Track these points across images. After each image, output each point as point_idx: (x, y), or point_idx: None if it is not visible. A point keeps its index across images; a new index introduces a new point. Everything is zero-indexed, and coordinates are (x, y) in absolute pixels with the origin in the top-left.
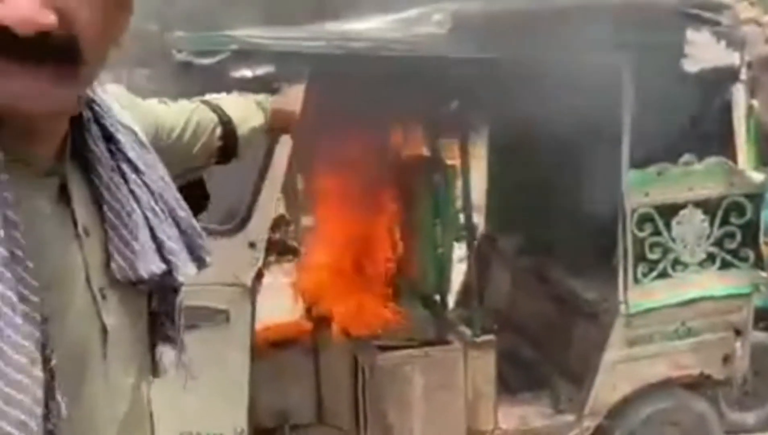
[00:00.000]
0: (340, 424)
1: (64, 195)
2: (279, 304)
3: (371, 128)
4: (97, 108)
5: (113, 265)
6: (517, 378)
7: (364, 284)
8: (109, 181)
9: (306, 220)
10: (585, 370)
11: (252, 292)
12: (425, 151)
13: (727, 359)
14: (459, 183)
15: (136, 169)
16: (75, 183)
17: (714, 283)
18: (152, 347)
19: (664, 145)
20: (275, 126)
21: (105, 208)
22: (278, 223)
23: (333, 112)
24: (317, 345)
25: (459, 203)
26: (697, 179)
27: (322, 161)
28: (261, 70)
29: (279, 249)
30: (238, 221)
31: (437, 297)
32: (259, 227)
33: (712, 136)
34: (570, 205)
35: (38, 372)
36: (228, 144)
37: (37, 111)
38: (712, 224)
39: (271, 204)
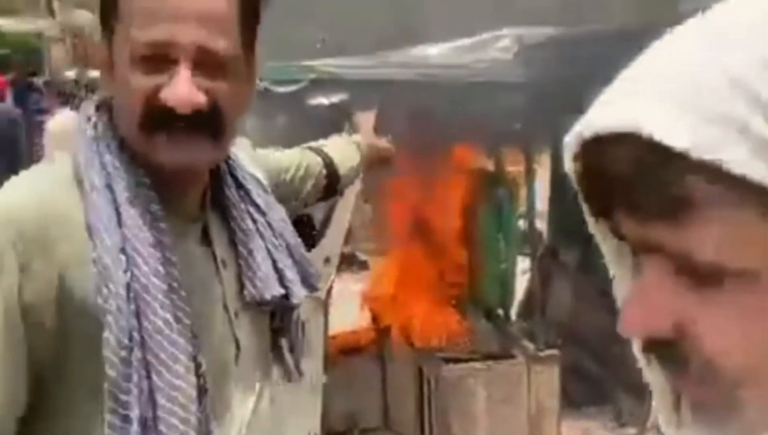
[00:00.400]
0: (405, 432)
1: (206, 237)
2: (347, 312)
3: (438, 147)
4: (230, 162)
5: (245, 292)
6: (580, 392)
7: (429, 296)
8: (241, 223)
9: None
10: (646, 384)
11: (325, 304)
12: (489, 167)
13: None
14: (522, 196)
15: (260, 212)
16: (214, 226)
17: None
18: (276, 357)
19: None
20: (373, 161)
21: (238, 245)
22: (347, 238)
23: (402, 133)
24: (383, 354)
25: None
26: None
27: (389, 178)
28: (336, 98)
29: (349, 262)
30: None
31: (500, 310)
32: (333, 243)
33: None
34: None
35: (192, 377)
36: (331, 183)
37: (195, 169)
38: None
39: (344, 220)
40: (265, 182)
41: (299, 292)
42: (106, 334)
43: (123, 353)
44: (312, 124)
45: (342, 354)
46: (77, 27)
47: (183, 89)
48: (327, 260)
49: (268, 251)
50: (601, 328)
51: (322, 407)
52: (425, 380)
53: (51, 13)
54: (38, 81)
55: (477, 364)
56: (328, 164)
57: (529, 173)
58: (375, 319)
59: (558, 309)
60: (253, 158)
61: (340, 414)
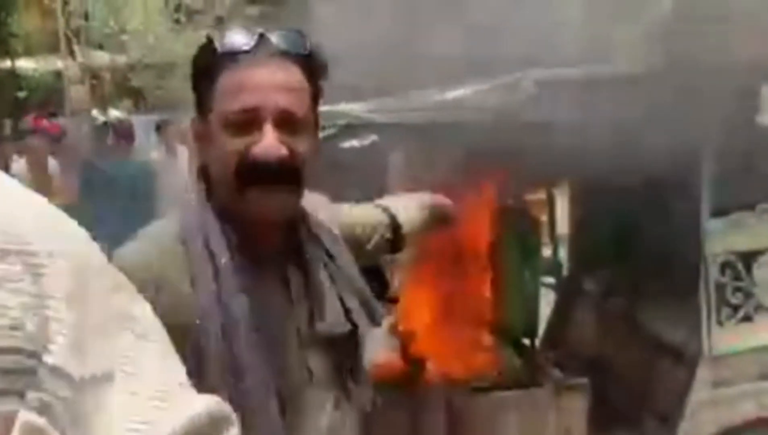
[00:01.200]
0: None
1: (285, 277)
2: (377, 344)
3: (463, 185)
4: (304, 212)
5: (317, 324)
6: (606, 417)
7: (458, 327)
8: (313, 265)
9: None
10: (672, 410)
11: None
12: (512, 202)
13: None
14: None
15: (330, 256)
16: (291, 268)
17: None
18: (345, 384)
19: (743, 194)
20: (437, 221)
21: (311, 287)
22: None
23: (430, 173)
24: (413, 385)
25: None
26: None
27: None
28: (367, 141)
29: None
30: None
31: (527, 340)
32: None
33: None
34: (654, 249)
35: (274, 401)
36: (395, 241)
37: (282, 213)
38: None
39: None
40: (336, 231)
41: (364, 327)
42: (206, 366)
43: (218, 380)
44: (344, 167)
45: (373, 386)
46: (96, 68)
47: (270, 143)
48: (393, 300)
49: (337, 291)
50: (626, 355)
51: None
52: (455, 411)
53: (71, 54)
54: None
55: (506, 394)
56: (394, 224)
57: (551, 206)
58: (404, 350)
59: (583, 337)
60: (326, 210)
61: None
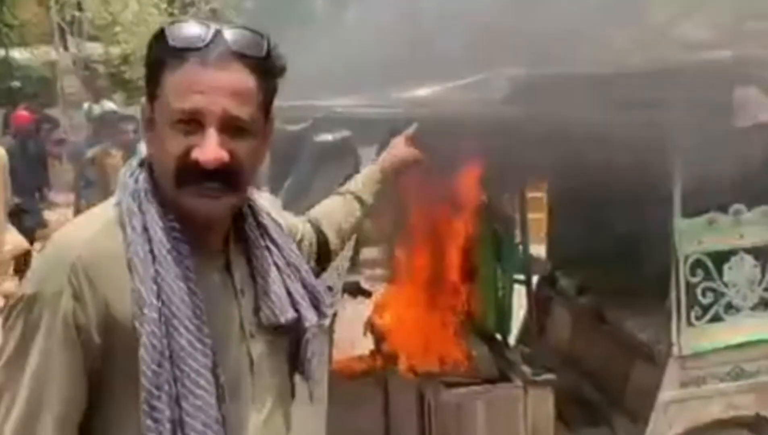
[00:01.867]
0: None
1: (228, 267)
2: (351, 338)
3: (436, 182)
4: (251, 204)
5: (261, 314)
6: (577, 415)
7: (431, 323)
8: (259, 256)
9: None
10: (641, 408)
11: (329, 331)
12: (486, 200)
13: None
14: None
15: (276, 246)
16: (235, 258)
17: (765, 326)
18: (290, 376)
19: (715, 195)
20: (400, 170)
21: (256, 275)
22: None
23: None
24: (386, 379)
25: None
26: (747, 227)
27: (391, 211)
28: (339, 135)
29: (353, 291)
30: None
31: (499, 336)
32: (335, 272)
33: (762, 187)
34: (627, 250)
35: (212, 388)
36: (321, 256)
37: (219, 214)
38: (763, 270)
39: (347, 250)
40: (282, 222)
41: (311, 317)
42: (141, 351)
43: (155, 367)
44: (318, 159)
45: (346, 379)
46: (89, 59)
47: (211, 148)
48: (330, 288)
49: (283, 280)
50: (598, 354)
51: (326, 431)
52: (426, 404)
53: (64, 44)
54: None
55: (477, 388)
56: (321, 239)
57: (523, 204)
58: (378, 344)
59: (557, 335)
60: (276, 211)
61: None
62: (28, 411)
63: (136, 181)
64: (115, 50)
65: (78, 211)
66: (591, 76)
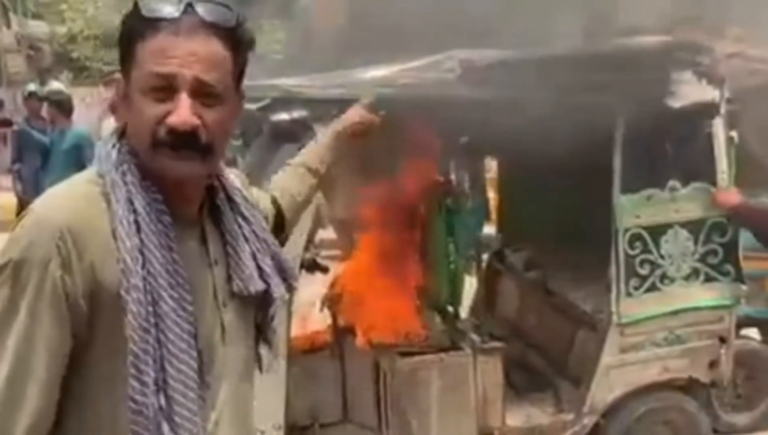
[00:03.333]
0: (364, 423)
1: (203, 237)
2: (308, 313)
3: (392, 160)
4: (223, 180)
5: (233, 284)
6: (524, 381)
7: (387, 297)
8: (231, 228)
9: (323, 233)
10: (584, 373)
11: (288, 304)
12: (440, 178)
13: (713, 365)
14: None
15: (246, 220)
16: (209, 229)
17: (699, 295)
18: (257, 346)
19: (653, 172)
20: (354, 135)
21: (227, 246)
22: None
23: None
24: (343, 351)
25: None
26: (682, 203)
27: (349, 188)
28: (296, 114)
29: (310, 266)
30: None
31: (450, 308)
32: (294, 247)
33: (696, 164)
34: (571, 225)
35: (193, 351)
36: (279, 224)
37: (190, 178)
38: (696, 242)
39: (305, 225)
40: (250, 197)
41: (278, 288)
42: (128, 317)
43: (141, 333)
44: (275, 138)
45: (303, 352)
46: (34, 38)
47: (184, 112)
48: None
49: (252, 252)
50: (544, 324)
51: (285, 403)
52: (382, 373)
53: (6, 23)
54: None
55: (429, 357)
56: (277, 209)
57: (475, 182)
58: (334, 318)
59: (506, 306)
60: (245, 186)
61: (303, 409)
62: (14, 372)
63: (119, 151)
64: (62, 29)
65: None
66: (536, 59)
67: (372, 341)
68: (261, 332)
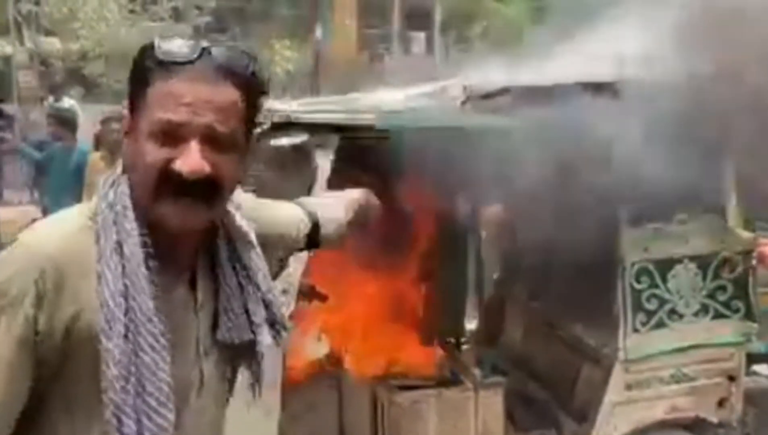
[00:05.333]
0: None
1: (192, 283)
2: (306, 341)
3: (392, 189)
4: (226, 220)
5: (219, 332)
6: (527, 416)
7: (385, 326)
8: (226, 274)
9: None
10: (588, 410)
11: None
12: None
13: (722, 403)
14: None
15: (244, 267)
16: (202, 272)
17: (708, 332)
18: (231, 385)
19: (661, 203)
20: (363, 218)
21: (220, 292)
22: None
23: (359, 175)
24: (340, 381)
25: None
26: (690, 236)
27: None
28: (297, 139)
29: (308, 294)
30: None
31: (452, 340)
32: (292, 275)
33: (705, 196)
34: (576, 256)
35: (170, 405)
36: (313, 237)
37: (194, 228)
38: (705, 278)
39: (303, 254)
40: (252, 235)
41: (264, 339)
42: (105, 367)
43: (122, 382)
44: (275, 164)
45: (300, 382)
46: (46, 54)
47: (193, 159)
48: (285, 292)
49: (244, 300)
50: (549, 358)
51: (280, 433)
52: (380, 406)
53: (20, 38)
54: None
55: (428, 391)
56: (313, 221)
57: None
58: (332, 347)
59: (510, 339)
60: (252, 210)
61: None
62: None
63: (115, 192)
64: (74, 46)
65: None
66: (541, 87)
67: (369, 373)
68: (236, 372)
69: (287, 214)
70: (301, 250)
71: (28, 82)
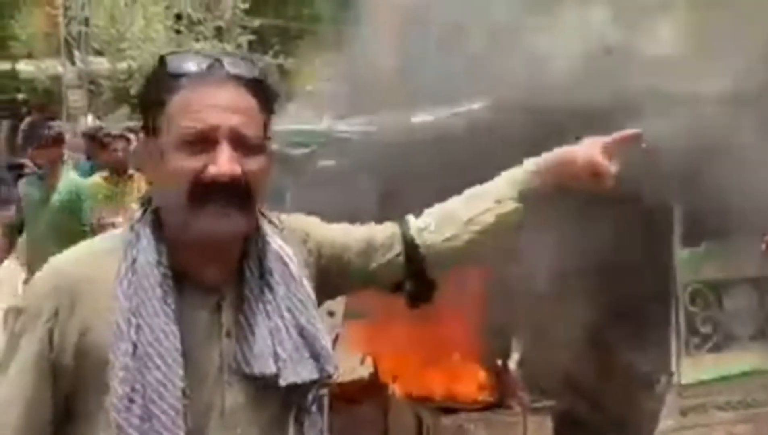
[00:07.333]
0: None
1: (218, 307)
2: (351, 361)
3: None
4: (260, 240)
5: (237, 361)
6: None
7: (431, 347)
8: (252, 298)
9: None
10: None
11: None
12: None
13: None
14: None
15: (272, 292)
16: (230, 297)
17: (765, 356)
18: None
19: (715, 225)
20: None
21: (242, 318)
22: None
23: (402, 192)
24: (385, 403)
25: None
26: (746, 257)
27: None
28: (341, 160)
29: (351, 315)
30: None
31: (499, 362)
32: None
33: (761, 216)
34: (627, 278)
35: (180, 432)
36: (413, 261)
37: (231, 236)
38: (761, 300)
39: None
40: (290, 259)
41: (291, 375)
42: (114, 383)
43: (126, 402)
44: (319, 184)
45: (344, 403)
46: (94, 74)
47: (225, 162)
48: (331, 314)
49: (270, 330)
50: (600, 379)
51: None
52: (424, 429)
53: (70, 59)
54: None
55: (475, 414)
56: (407, 240)
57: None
58: (377, 368)
59: (560, 361)
60: (312, 232)
61: None
62: None
63: (142, 214)
64: (121, 65)
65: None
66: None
67: (414, 394)
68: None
69: (352, 237)
70: (403, 277)
71: (76, 101)
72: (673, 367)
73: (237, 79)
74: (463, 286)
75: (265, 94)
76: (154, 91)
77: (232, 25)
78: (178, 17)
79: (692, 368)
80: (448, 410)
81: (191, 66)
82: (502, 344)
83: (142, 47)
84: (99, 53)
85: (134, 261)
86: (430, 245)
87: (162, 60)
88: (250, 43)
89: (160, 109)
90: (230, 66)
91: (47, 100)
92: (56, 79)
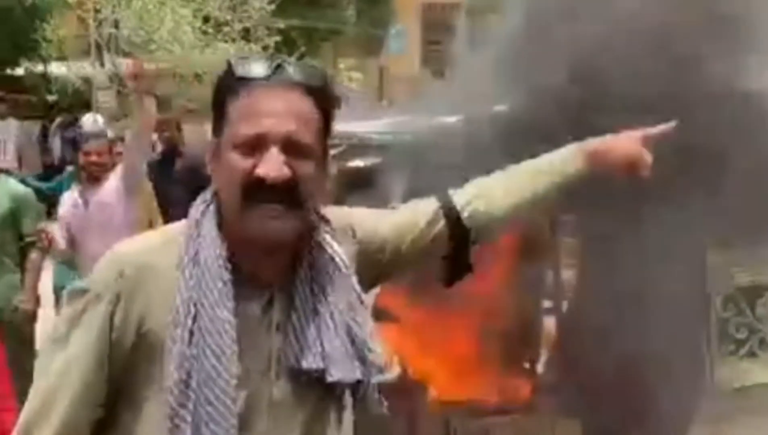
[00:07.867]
0: None
1: (270, 303)
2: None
3: None
4: (314, 242)
5: (285, 356)
6: None
7: (458, 350)
8: (303, 296)
9: None
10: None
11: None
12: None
13: None
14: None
15: (324, 292)
16: (282, 294)
17: None
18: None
19: (749, 229)
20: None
21: (293, 315)
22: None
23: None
24: (414, 405)
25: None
26: None
27: None
28: (371, 160)
29: (378, 314)
30: None
31: (527, 365)
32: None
33: None
34: (657, 284)
35: (231, 419)
36: (457, 233)
37: (283, 236)
38: None
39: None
40: (341, 258)
41: (337, 372)
42: (171, 367)
43: (182, 386)
44: (348, 185)
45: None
46: (124, 75)
47: (274, 163)
48: None
49: (317, 327)
50: (629, 384)
51: None
52: (452, 432)
53: (100, 60)
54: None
55: (502, 418)
56: (449, 212)
57: (553, 231)
58: (404, 371)
59: (589, 365)
60: (367, 221)
61: None
62: (53, 383)
63: (206, 208)
64: (150, 67)
65: None
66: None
67: (443, 398)
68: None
69: (393, 221)
70: (449, 250)
71: (106, 102)
72: (707, 374)
73: (298, 85)
74: (493, 291)
75: (325, 101)
76: (220, 93)
77: (258, 27)
78: (206, 20)
79: (726, 374)
80: (477, 413)
81: (254, 70)
82: (532, 347)
83: (171, 49)
84: (128, 55)
85: (196, 253)
86: (476, 217)
87: (229, 64)
88: (275, 44)
89: (224, 112)
90: (293, 72)
91: (77, 101)
92: (86, 81)
